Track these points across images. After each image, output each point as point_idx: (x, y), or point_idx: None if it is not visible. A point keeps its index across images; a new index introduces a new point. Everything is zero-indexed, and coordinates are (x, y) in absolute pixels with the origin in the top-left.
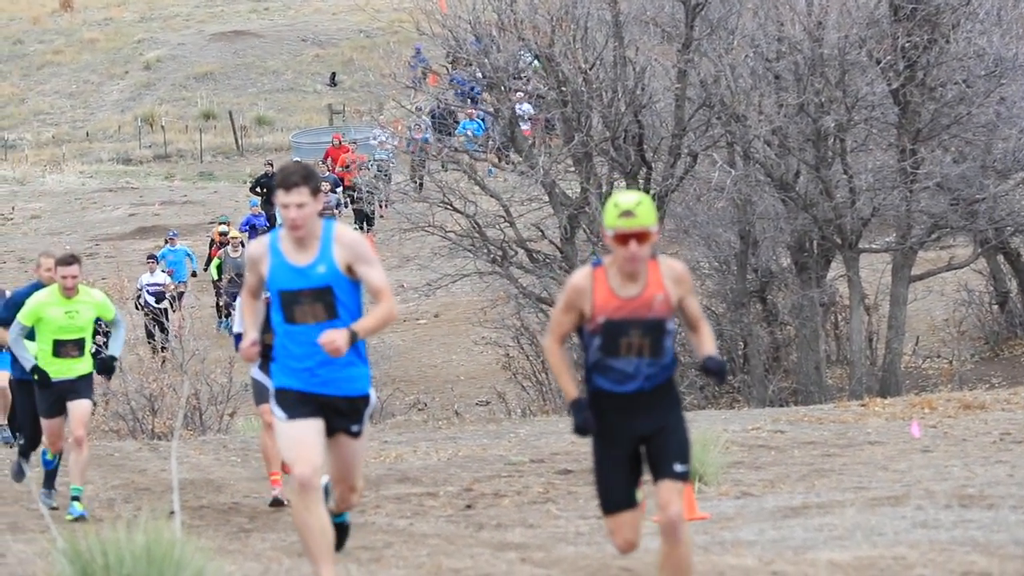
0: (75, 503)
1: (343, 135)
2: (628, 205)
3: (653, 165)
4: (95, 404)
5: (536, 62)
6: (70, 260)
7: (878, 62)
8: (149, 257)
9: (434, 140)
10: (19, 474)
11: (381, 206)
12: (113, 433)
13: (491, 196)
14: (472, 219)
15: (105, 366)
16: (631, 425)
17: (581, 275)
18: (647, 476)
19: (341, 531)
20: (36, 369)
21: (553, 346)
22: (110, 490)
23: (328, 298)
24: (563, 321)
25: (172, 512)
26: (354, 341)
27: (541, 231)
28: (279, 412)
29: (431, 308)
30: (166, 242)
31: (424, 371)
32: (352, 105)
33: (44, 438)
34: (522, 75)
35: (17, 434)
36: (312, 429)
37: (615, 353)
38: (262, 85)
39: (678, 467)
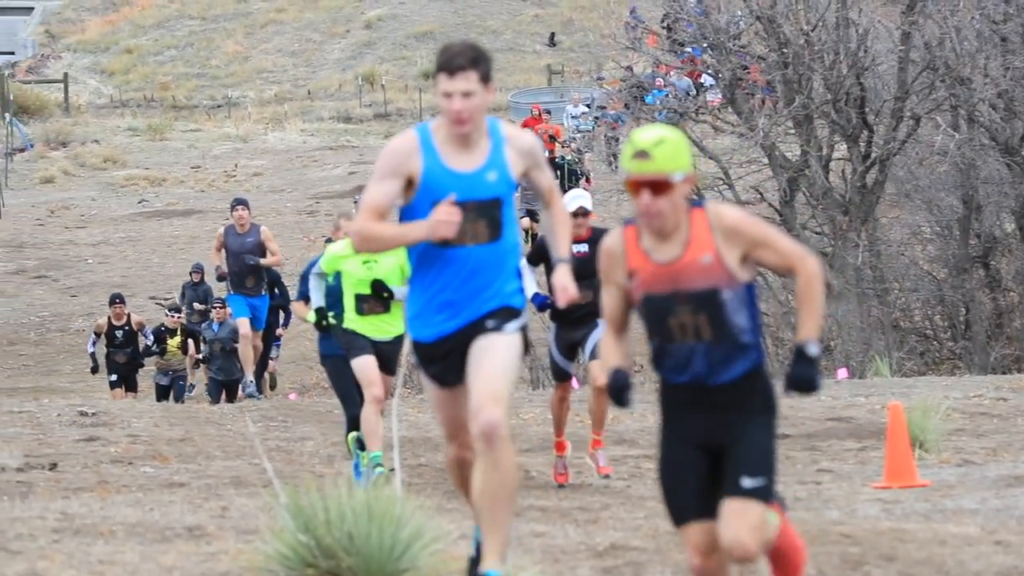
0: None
1: (577, 93)
2: (644, 144)
3: (875, 128)
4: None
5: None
6: None
7: None
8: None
9: (633, 109)
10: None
11: (586, 180)
12: (333, 390)
13: (710, 158)
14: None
15: None
16: (698, 427)
17: (612, 237)
18: None
19: None
20: (333, 316)
21: (607, 334)
22: (330, 447)
23: (495, 213)
24: (607, 302)
25: (392, 469)
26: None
27: (760, 193)
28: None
29: None
30: None
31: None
32: (571, 66)
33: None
34: (739, 37)
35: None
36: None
37: (668, 337)
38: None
39: (747, 481)
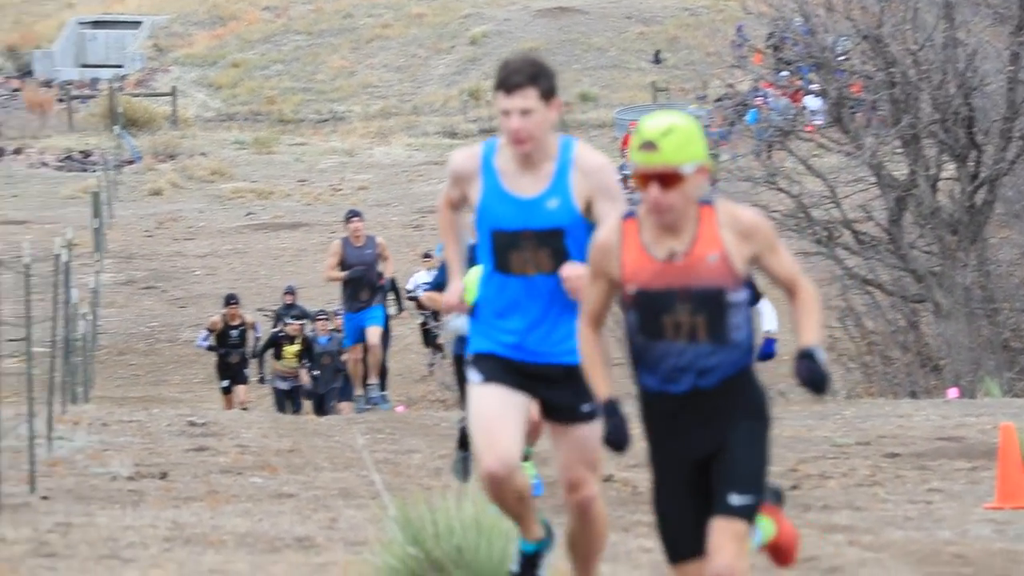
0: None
1: (677, 111)
2: (651, 134)
3: (983, 148)
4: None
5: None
6: None
7: None
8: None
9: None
10: (462, 472)
11: None
12: (439, 403)
13: (817, 176)
14: (797, 199)
15: None
16: (685, 441)
17: (607, 229)
18: None
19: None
20: None
21: (584, 330)
22: (437, 459)
23: (558, 243)
24: (592, 295)
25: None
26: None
27: (867, 212)
28: (475, 378)
29: None
30: None
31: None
32: (676, 83)
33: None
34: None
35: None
36: (513, 408)
37: (658, 335)
38: (586, 61)
39: (735, 499)
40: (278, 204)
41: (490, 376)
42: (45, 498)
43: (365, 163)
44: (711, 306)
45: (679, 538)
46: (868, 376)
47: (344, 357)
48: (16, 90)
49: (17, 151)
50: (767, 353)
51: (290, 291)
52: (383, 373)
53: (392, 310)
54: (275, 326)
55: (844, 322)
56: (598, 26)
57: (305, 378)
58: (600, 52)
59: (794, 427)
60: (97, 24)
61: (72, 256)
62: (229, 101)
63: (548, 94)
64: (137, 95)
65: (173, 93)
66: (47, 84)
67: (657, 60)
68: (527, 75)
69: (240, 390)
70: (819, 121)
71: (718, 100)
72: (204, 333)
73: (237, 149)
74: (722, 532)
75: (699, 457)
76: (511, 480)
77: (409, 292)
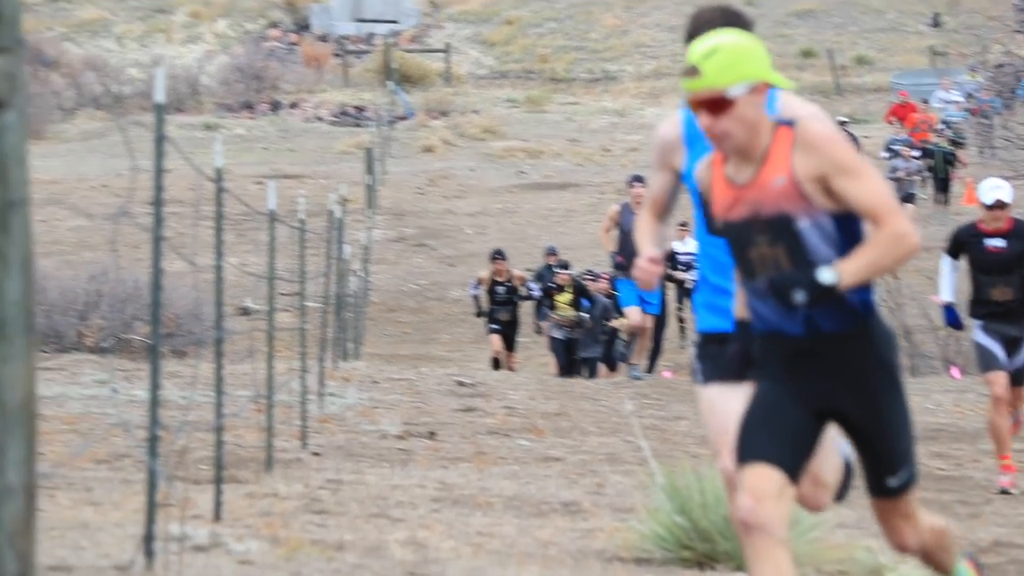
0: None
1: (948, 77)
2: (694, 57)
3: None
4: None
5: None
6: None
7: None
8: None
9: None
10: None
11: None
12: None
13: None
14: None
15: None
16: (803, 383)
17: (702, 163)
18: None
19: None
20: None
21: (646, 217)
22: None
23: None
24: (660, 188)
25: None
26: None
27: None
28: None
29: None
30: None
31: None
32: (955, 47)
33: None
34: None
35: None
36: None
37: (751, 272)
38: (864, 24)
39: (893, 481)
40: (548, 163)
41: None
42: (316, 454)
43: (636, 124)
44: (786, 236)
45: (760, 443)
46: None
47: (615, 323)
48: (293, 44)
49: (293, 105)
50: (951, 322)
51: (552, 251)
52: (655, 354)
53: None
54: (538, 283)
55: None
56: None
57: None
58: (878, 14)
59: None
60: None
61: (345, 212)
62: (502, 59)
63: None
64: (411, 51)
65: (447, 50)
66: (323, 39)
67: (936, 23)
68: (720, 27)
69: (507, 353)
70: None
71: (998, 66)
72: (474, 280)
73: (509, 107)
74: (890, 514)
75: (824, 406)
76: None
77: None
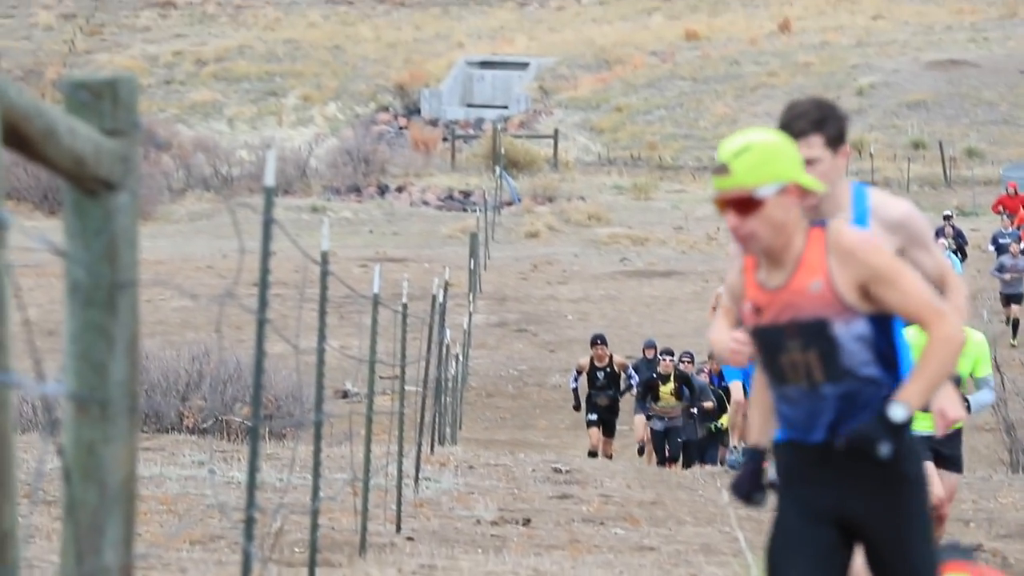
0: None
1: (1020, 183)
2: (725, 154)
3: None
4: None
5: None
6: None
7: None
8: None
9: None
10: None
11: None
12: None
13: None
14: None
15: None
16: (822, 493)
17: (732, 271)
18: None
19: None
20: None
21: (757, 389)
22: None
23: None
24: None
25: None
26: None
27: None
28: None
29: None
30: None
31: None
32: None
33: None
34: None
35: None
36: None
37: (781, 379)
38: (975, 116)
39: None
40: (653, 251)
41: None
42: (410, 539)
43: None
44: (820, 342)
45: (788, 572)
46: None
47: (707, 405)
48: (402, 128)
49: (400, 188)
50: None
51: (650, 345)
52: None
53: None
54: (637, 378)
55: None
56: (990, 80)
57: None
58: (990, 106)
59: None
60: (485, 64)
61: (447, 296)
62: (610, 145)
63: (836, 141)
64: (519, 136)
65: (555, 136)
66: (433, 123)
67: None
68: (812, 120)
69: (605, 440)
70: None
71: None
72: (574, 373)
73: (615, 194)
74: None
75: (843, 516)
76: None
77: None
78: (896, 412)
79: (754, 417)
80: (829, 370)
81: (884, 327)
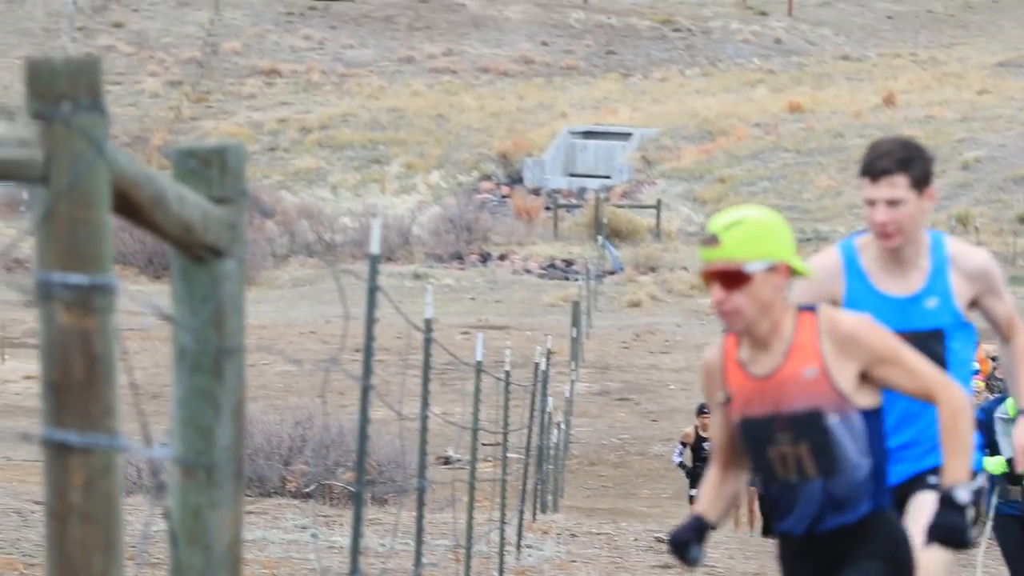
0: None
1: None
2: (716, 226)
3: None
4: None
5: None
6: None
7: None
8: None
9: None
10: None
11: None
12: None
13: None
14: None
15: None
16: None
17: (712, 349)
18: None
19: None
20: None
21: (712, 470)
22: None
23: (938, 345)
24: (715, 428)
25: None
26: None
27: None
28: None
29: None
30: None
31: None
32: None
33: None
34: None
35: None
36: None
37: (769, 474)
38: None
39: None
40: None
41: None
42: None
43: None
44: (812, 433)
45: None
46: None
47: None
48: (506, 197)
49: (502, 257)
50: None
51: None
52: None
53: None
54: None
55: None
56: None
57: None
58: None
59: None
60: (588, 134)
61: (550, 364)
62: (713, 216)
63: (921, 182)
64: (622, 206)
65: (658, 206)
66: (535, 192)
67: None
68: (897, 160)
69: None
70: None
71: None
72: (679, 448)
73: None
74: None
75: None
76: None
77: None
78: (961, 495)
79: (704, 491)
80: (821, 462)
81: (873, 424)
